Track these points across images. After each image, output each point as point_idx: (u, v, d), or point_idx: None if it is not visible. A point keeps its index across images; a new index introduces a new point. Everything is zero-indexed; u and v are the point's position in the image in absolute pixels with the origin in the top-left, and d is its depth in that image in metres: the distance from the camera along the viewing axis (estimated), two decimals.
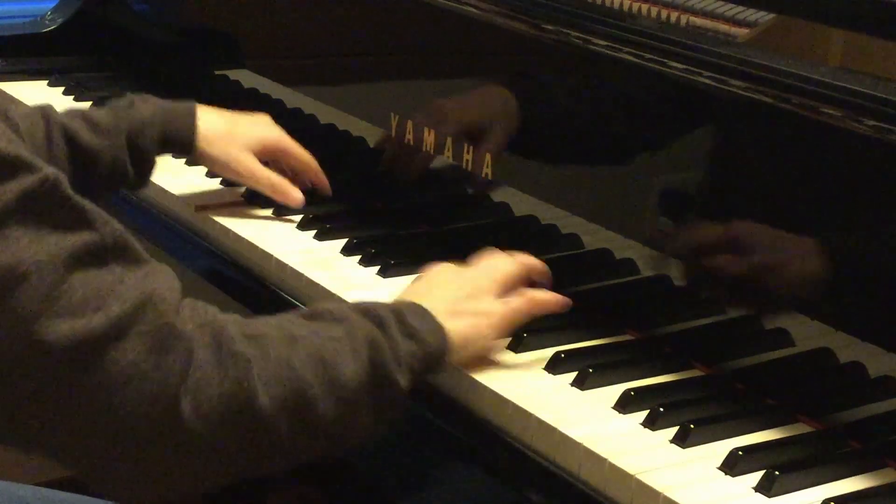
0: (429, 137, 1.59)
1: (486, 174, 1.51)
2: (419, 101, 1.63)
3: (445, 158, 1.56)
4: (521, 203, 1.52)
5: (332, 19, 1.80)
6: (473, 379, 1.22)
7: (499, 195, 1.53)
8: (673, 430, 1.14)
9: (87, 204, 1.00)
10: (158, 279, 1.02)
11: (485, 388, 1.21)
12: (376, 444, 1.36)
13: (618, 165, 1.44)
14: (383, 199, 1.64)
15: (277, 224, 1.55)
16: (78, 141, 1.43)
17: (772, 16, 1.31)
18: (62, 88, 2.05)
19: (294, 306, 1.41)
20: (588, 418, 1.16)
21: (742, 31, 1.32)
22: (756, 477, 1.08)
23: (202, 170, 1.66)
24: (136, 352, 0.98)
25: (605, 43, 1.39)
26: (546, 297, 1.28)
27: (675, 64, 1.32)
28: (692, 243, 1.35)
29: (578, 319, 1.34)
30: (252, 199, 1.59)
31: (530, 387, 1.21)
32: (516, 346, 1.28)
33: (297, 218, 1.55)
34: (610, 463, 1.09)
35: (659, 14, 1.38)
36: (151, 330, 0.98)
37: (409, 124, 1.61)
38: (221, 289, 1.53)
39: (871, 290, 1.20)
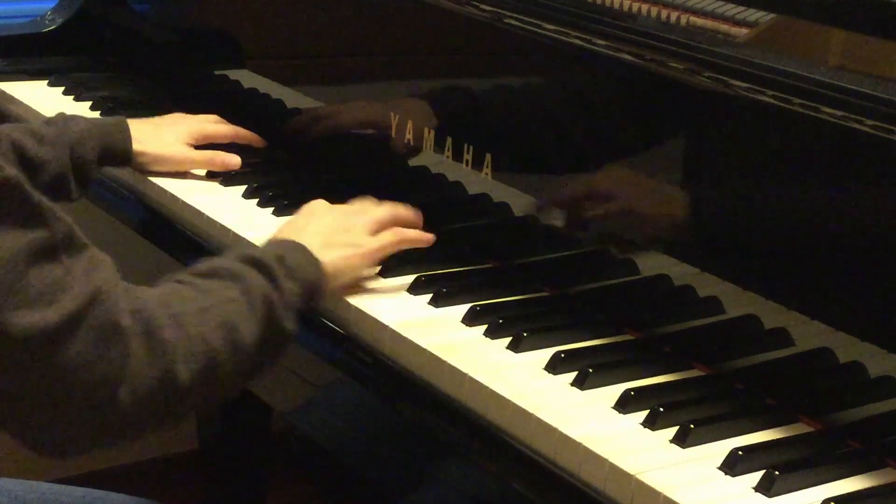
0: (429, 137, 1.59)
1: (486, 174, 1.51)
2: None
3: (445, 158, 1.56)
4: (521, 203, 1.52)
5: (332, 19, 1.81)
6: (473, 379, 1.22)
7: (499, 195, 1.53)
8: (673, 430, 1.14)
9: (44, 202, 1.08)
10: (102, 272, 1.11)
11: (485, 388, 1.21)
12: (376, 445, 1.36)
13: (617, 165, 1.44)
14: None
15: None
16: (25, 152, 1.53)
17: (772, 16, 1.31)
18: (62, 88, 2.05)
19: None
20: (588, 418, 1.16)
21: (742, 31, 1.32)
22: (756, 477, 1.08)
23: None
24: (84, 343, 1.08)
25: (604, 43, 1.39)
26: (413, 234, 1.44)
27: (675, 64, 1.32)
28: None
29: (578, 319, 1.34)
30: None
31: (530, 387, 1.21)
32: (516, 345, 1.28)
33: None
34: (610, 463, 1.09)
35: (659, 14, 1.38)
36: (97, 325, 1.09)
37: (410, 124, 1.61)
38: None
39: (871, 290, 1.20)
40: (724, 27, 1.33)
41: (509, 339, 1.29)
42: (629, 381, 1.22)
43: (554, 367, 1.24)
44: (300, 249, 1.31)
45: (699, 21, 1.35)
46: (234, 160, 1.72)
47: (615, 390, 1.20)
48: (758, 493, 1.07)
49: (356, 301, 1.36)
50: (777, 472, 1.07)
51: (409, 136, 1.62)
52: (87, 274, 1.09)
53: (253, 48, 1.96)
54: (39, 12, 2.21)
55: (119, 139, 1.65)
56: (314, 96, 1.82)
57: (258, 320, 1.21)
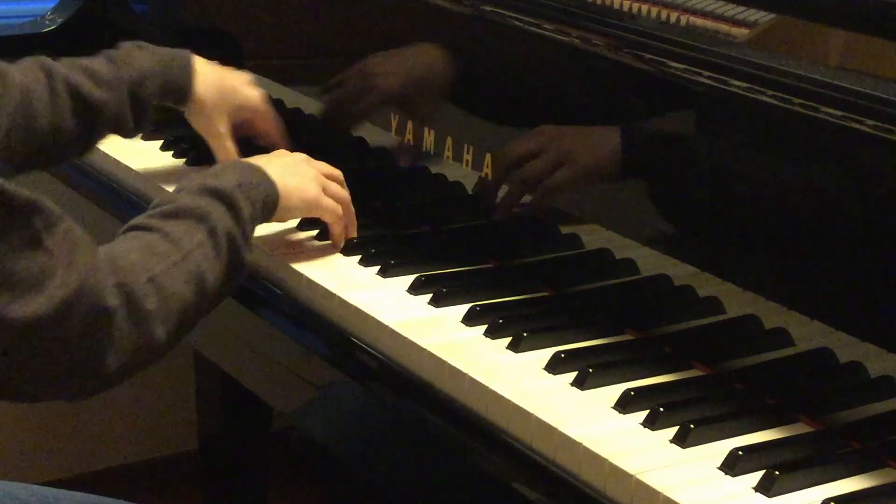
0: (429, 137, 1.59)
1: (486, 174, 1.51)
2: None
3: (445, 158, 1.56)
4: (521, 203, 1.52)
5: (332, 19, 1.80)
6: (473, 379, 1.22)
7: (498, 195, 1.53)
8: (673, 430, 1.14)
9: (18, 190, 1.08)
10: (81, 252, 1.13)
11: (485, 388, 1.21)
12: (376, 445, 1.36)
13: (617, 165, 1.44)
14: (383, 198, 1.65)
15: (277, 225, 1.55)
16: (83, 94, 1.50)
17: (772, 16, 1.32)
18: None
19: (291, 304, 1.42)
20: (588, 418, 1.16)
21: (742, 31, 1.32)
22: (756, 477, 1.08)
23: None
24: (74, 328, 1.12)
25: (604, 43, 1.39)
26: (340, 230, 1.48)
27: (675, 64, 1.32)
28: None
29: (578, 319, 1.34)
30: None
31: (530, 387, 1.21)
32: (516, 346, 1.28)
33: (296, 221, 1.55)
34: (610, 463, 1.09)
35: (659, 14, 1.38)
36: (86, 312, 1.12)
37: (410, 124, 1.61)
38: None
39: (871, 290, 1.20)
40: (724, 27, 1.33)
41: (509, 339, 1.29)
42: (629, 381, 1.22)
43: (554, 367, 1.24)
44: (257, 170, 1.37)
45: (699, 21, 1.35)
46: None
47: (615, 390, 1.20)
48: (758, 493, 1.07)
49: (356, 301, 1.36)
50: (777, 472, 1.07)
51: (409, 136, 1.62)
52: (69, 254, 1.12)
53: (253, 48, 1.96)
54: (39, 12, 2.20)
55: (182, 79, 1.59)
56: (314, 96, 1.82)
57: (223, 259, 1.27)
